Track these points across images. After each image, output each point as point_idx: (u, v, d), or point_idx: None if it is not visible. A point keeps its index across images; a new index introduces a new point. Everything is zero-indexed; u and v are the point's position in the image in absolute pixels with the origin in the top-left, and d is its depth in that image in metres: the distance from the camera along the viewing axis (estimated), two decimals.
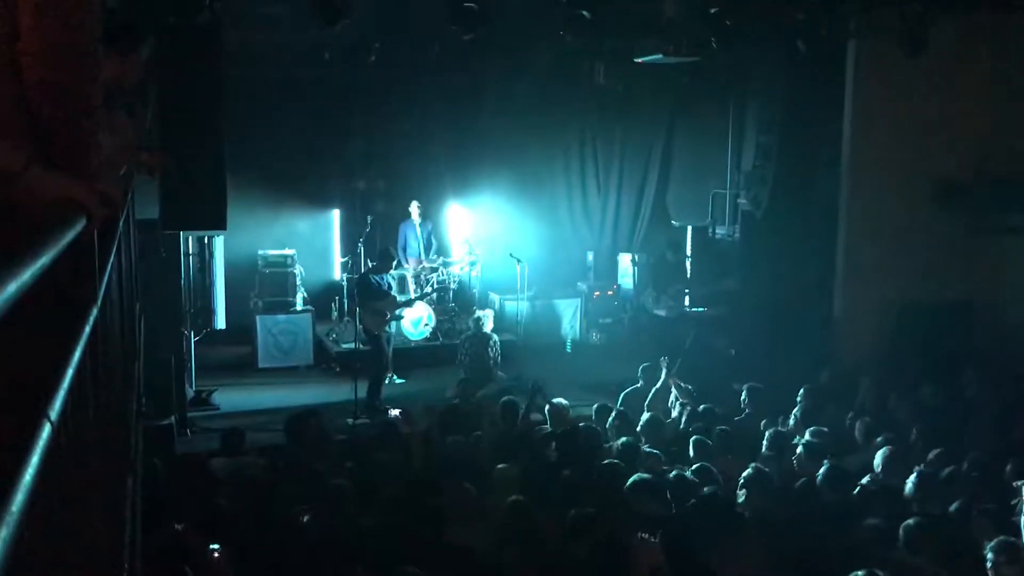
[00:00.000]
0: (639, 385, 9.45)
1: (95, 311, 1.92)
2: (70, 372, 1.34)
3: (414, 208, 13.25)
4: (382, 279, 10.93)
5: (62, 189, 1.81)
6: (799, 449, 7.23)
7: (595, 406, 8.90)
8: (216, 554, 5.13)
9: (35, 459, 0.96)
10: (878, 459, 6.77)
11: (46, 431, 1.04)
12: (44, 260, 1.14)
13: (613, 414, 8.38)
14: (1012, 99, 10.71)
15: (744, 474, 6.28)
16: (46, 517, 1.23)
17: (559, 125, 14.76)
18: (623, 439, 7.32)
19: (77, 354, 1.48)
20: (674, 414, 8.60)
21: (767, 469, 6.51)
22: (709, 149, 14.18)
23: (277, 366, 12.32)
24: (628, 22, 10.01)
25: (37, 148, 1.86)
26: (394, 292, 11.24)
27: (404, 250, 13.23)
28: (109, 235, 3.06)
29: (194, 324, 10.69)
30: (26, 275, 1.02)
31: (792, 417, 8.50)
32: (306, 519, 5.77)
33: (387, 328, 10.93)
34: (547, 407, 8.57)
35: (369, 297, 10.74)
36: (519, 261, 12.62)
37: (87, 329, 1.70)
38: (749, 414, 8.64)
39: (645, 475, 6.07)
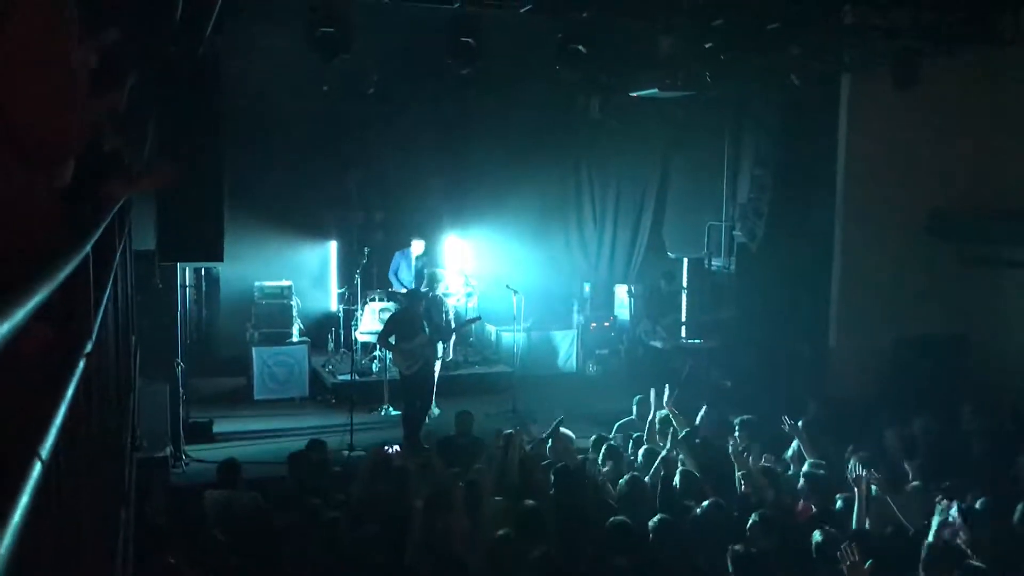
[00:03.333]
0: (633, 417, 9.46)
1: (89, 346, 1.93)
2: (62, 410, 1.35)
3: (418, 244, 13.35)
4: (413, 318, 10.60)
5: None
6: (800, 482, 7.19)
7: (592, 438, 8.86)
8: None
9: (25, 499, 0.97)
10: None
11: (37, 470, 1.05)
12: (38, 299, 1.16)
13: (604, 446, 8.35)
14: (1005, 131, 10.80)
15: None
16: (39, 550, 1.23)
17: (555, 158, 14.85)
18: (625, 478, 7.27)
19: (70, 391, 1.49)
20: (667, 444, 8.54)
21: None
22: (704, 182, 14.27)
23: (273, 398, 12.27)
24: (623, 57, 10.12)
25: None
26: (425, 330, 10.64)
27: (396, 275, 13.29)
28: (105, 268, 3.08)
29: (190, 355, 10.67)
30: (19, 315, 1.04)
31: (790, 450, 8.46)
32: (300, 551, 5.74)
33: (421, 367, 10.51)
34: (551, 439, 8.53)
35: (400, 338, 10.50)
36: (516, 292, 12.64)
37: (80, 365, 1.71)
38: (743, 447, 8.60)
39: (621, 520, 6.02)
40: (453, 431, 9.17)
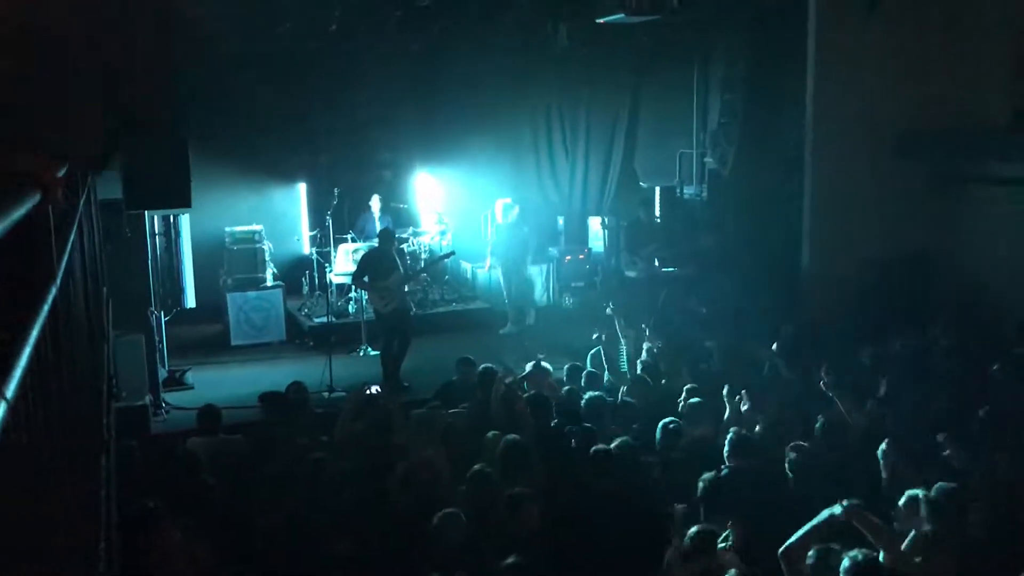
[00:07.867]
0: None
1: (54, 291, 1.90)
2: (27, 352, 1.33)
3: (375, 201, 13.23)
4: (384, 257, 10.60)
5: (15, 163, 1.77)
6: None
7: (566, 367, 8.92)
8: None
9: None
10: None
11: (2, 409, 1.04)
12: None
13: (584, 374, 8.40)
14: (971, 50, 10.76)
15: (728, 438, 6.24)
16: (13, 493, 1.23)
17: (524, 90, 14.70)
18: (590, 394, 7.40)
19: (35, 333, 1.47)
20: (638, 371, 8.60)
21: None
22: (675, 109, 14.18)
23: (250, 343, 12.26)
24: None
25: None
26: (399, 267, 10.71)
27: (362, 232, 13.13)
28: (68, 214, 3.03)
29: (163, 304, 10.59)
30: None
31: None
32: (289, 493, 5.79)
33: (397, 305, 10.56)
34: (528, 369, 8.53)
35: (373, 277, 10.49)
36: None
37: (45, 309, 1.68)
38: (720, 371, 8.70)
39: (602, 448, 6.13)
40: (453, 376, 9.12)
